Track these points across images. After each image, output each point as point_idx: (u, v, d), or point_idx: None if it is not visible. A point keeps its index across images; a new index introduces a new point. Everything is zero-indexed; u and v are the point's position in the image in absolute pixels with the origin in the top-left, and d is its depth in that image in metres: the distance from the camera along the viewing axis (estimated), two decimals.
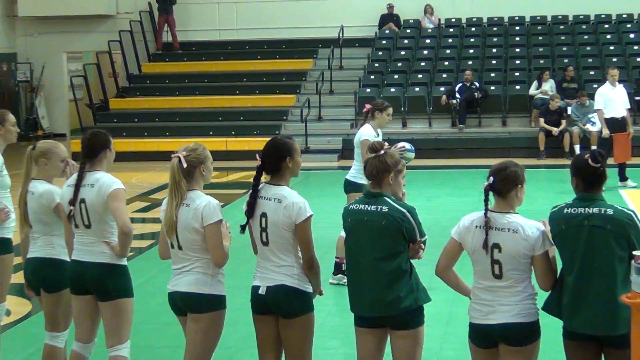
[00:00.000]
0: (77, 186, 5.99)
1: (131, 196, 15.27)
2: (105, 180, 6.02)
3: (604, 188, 5.22)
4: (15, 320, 8.92)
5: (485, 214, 5.14)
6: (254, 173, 5.55)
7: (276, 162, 5.57)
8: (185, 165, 5.58)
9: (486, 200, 5.15)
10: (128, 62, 25.86)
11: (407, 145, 8.76)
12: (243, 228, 5.62)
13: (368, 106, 10.02)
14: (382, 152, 5.50)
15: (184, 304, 5.67)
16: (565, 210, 5.16)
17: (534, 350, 5.19)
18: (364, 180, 7.75)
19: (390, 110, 9.98)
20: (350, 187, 9.62)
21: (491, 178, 5.17)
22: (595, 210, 5.06)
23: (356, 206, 5.49)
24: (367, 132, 9.68)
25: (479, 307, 5.24)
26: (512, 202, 5.19)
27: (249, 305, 5.67)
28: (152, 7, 26.42)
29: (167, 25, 26.14)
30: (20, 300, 9.42)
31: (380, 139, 9.68)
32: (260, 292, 5.55)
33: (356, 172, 9.57)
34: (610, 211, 5.05)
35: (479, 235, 5.16)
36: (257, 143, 19.71)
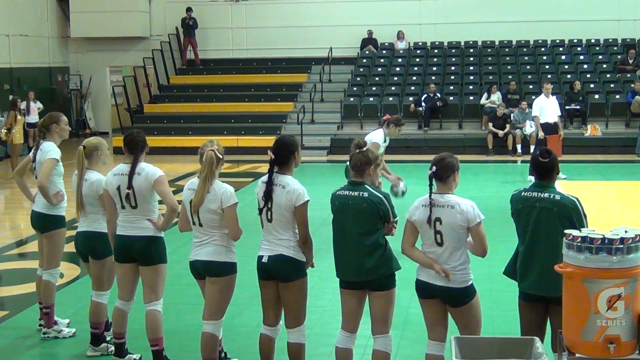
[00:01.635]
0: (131, 174, 5.94)
1: None
2: (149, 169, 5.99)
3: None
4: (67, 282, 8.93)
5: (430, 195, 5.13)
6: (260, 165, 5.53)
7: (287, 155, 5.53)
8: (220, 157, 5.56)
9: (430, 185, 5.15)
10: (159, 74, 25.86)
11: (402, 186, 9.04)
12: (261, 210, 5.52)
13: (388, 116, 9.74)
14: (364, 148, 5.49)
15: (204, 270, 5.65)
16: (523, 194, 5.19)
17: (471, 308, 5.12)
18: None
19: (403, 128, 9.78)
20: None
21: (434, 167, 5.16)
22: (546, 195, 5.07)
23: (342, 192, 5.46)
24: (377, 137, 9.44)
25: (425, 271, 5.18)
26: (450, 185, 5.18)
27: (256, 271, 5.65)
28: (178, 31, 26.40)
29: (190, 45, 26.11)
30: (71, 266, 9.41)
31: (387, 144, 9.63)
32: (263, 260, 5.52)
33: None
34: (557, 197, 5.06)
35: (424, 212, 5.14)
36: (262, 141, 19.71)
